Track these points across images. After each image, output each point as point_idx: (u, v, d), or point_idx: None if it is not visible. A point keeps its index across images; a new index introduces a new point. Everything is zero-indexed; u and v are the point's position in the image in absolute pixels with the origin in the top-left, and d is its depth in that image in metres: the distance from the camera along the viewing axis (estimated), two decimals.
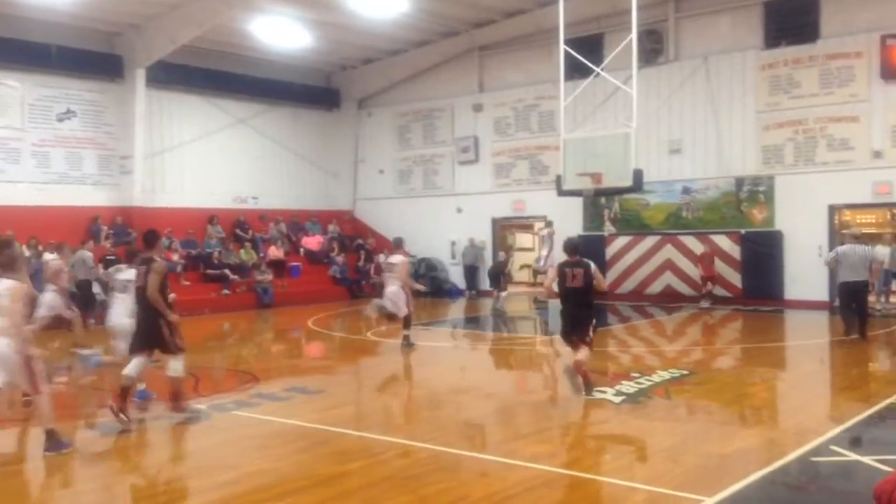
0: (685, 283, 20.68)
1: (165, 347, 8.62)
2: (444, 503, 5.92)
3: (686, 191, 21.02)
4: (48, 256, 18.07)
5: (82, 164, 21.65)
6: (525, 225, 25.85)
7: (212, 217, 23.26)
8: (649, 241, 20.99)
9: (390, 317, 13.99)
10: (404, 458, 7.09)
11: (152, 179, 22.85)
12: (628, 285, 21.45)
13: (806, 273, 18.77)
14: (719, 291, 20.06)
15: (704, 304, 19.72)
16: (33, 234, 18.81)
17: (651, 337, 16.17)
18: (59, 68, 20.98)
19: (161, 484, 6.88)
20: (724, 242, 20.18)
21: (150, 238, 9.04)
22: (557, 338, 15.80)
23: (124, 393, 8.43)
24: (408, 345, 13.61)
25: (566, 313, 9.72)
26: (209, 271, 21.79)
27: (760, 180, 19.97)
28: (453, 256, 25.39)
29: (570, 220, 22.23)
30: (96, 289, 17.70)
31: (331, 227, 26.35)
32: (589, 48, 20.02)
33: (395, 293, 13.46)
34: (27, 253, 18.23)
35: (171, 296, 9.03)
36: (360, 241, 26.32)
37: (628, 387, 9.97)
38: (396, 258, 13.84)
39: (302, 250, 24.74)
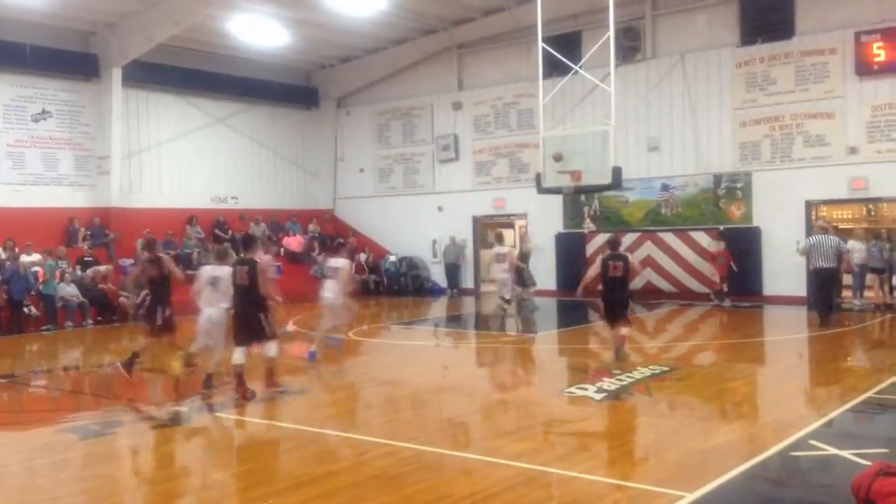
0: (665, 280, 20.80)
1: (262, 336, 9.73)
2: (427, 502, 5.93)
3: (665, 188, 21.15)
4: (25, 259, 17.99)
5: (58, 165, 21.42)
6: (504, 224, 25.87)
7: (191, 217, 23.10)
8: (629, 238, 21.12)
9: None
10: (388, 458, 7.09)
11: (129, 180, 22.69)
12: None
13: (784, 268, 18.93)
14: (698, 287, 20.22)
15: (724, 302, 19.51)
16: (10, 236, 18.62)
17: (631, 334, 16.25)
18: (33, 68, 20.74)
19: (147, 484, 6.85)
20: (703, 239, 20.32)
21: (248, 241, 10.36)
22: (538, 335, 15.94)
23: (241, 378, 9.57)
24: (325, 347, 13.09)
25: (608, 297, 11.87)
26: (189, 272, 21.61)
27: (738, 177, 20.12)
28: (434, 255, 25.40)
29: (550, 218, 22.31)
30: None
31: (311, 227, 26.26)
32: (567, 46, 20.06)
33: (331, 301, 12.69)
34: (2, 255, 18.09)
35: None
36: (340, 240, 26.20)
37: (609, 384, 10.02)
38: (338, 261, 12.92)
39: (283, 250, 24.64)
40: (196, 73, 23.79)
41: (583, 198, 21.75)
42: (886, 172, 18.18)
